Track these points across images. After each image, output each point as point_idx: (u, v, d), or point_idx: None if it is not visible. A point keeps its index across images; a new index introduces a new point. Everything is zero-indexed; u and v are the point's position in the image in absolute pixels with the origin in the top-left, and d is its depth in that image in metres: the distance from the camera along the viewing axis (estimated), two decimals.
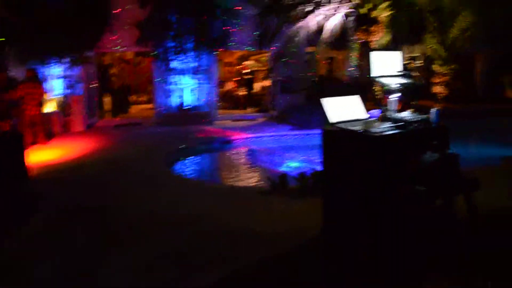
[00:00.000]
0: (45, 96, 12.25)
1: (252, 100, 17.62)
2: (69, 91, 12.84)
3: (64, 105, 12.64)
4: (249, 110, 16.33)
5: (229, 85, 18.21)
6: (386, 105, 5.18)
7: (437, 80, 6.77)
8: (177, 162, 8.93)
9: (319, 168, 6.11)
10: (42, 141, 10.18)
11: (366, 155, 3.64)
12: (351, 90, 13.35)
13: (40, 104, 10.43)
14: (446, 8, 6.47)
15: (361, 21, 6.20)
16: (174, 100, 13.64)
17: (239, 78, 17.39)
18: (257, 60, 20.00)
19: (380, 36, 6.34)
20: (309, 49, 15.71)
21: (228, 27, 13.36)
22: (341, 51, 17.79)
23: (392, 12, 6.29)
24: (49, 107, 12.39)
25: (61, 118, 12.22)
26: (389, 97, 4.21)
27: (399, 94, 4.28)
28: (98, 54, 14.52)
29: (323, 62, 20.03)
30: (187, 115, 13.34)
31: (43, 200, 5.79)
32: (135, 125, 13.16)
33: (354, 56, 7.61)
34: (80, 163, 8.17)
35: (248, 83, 16.94)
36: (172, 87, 13.57)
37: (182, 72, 13.44)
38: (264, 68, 18.71)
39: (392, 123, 3.99)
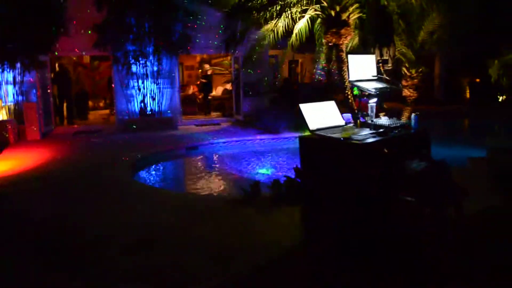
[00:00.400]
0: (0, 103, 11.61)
1: (215, 104, 17.36)
2: (22, 97, 12.15)
3: (18, 113, 11.96)
4: (213, 114, 16.06)
5: (191, 89, 17.86)
6: (358, 109, 5.07)
7: (406, 83, 6.74)
8: (140, 171, 8.55)
9: (290, 174, 5.98)
10: None
11: (349, 164, 3.49)
12: (319, 93, 13.40)
13: None
14: (414, 10, 6.45)
15: (330, 23, 6.06)
16: (135, 106, 13.18)
17: (199, 82, 17.00)
18: (218, 64, 19.79)
19: (349, 38, 6.25)
20: (272, 52, 15.71)
21: (189, 30, 13.07)
22: (305, 54, 17.93)
23: (361, 14, 6.20)
24: (1, 115, 11.71)
25: (14, 126, 11.54)
26: (368, 102, 4.09)
27: (376, 99, 4.18)
28: (53, 59, 13.86)
29: (294, 66, 20.08)
30: (150, 120, 12.91)
31: None
32: (94, 132, 12.60)
33: (321, 59, 7.50)
34: (34, 175, 7.65)
35: (209, 87, 16.57)
36: (133, 92, 13.11)
37: (143, 76, 13.00)
38: (226, 72, 18.52)
39: (372, 130, 3.87)
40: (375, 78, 4.28)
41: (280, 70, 16.99)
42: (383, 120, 4.04)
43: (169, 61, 13.25)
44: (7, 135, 11.19)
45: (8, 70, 11.64)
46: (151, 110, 13.20)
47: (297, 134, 11.55)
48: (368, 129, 3.90)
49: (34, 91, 12.34)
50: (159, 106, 13.32)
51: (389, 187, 3.34)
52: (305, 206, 4.07)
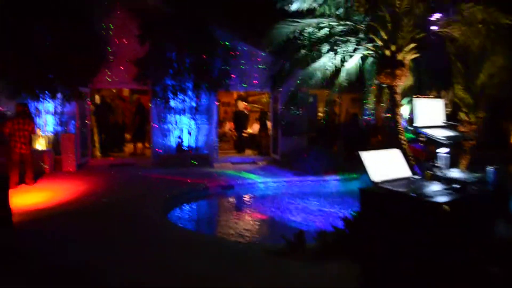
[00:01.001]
0: (38, 132, 11.65)
1: (251, 142, 17.05)
2: (61, 128, 12.20)
3: (56, 143, 11.98)
4: (249, 152, 15.72)
5: (227, 126, 17.68)
6: (412, 156, 4.58)
7: (463, 129, 6.19)
8: (174, 210, 8.19)
9: (338, 223, 5.47)
10: (30, 182, 9.45)
11: (420, 225, 2.98)
12: (361, 135, 12.87)
13: (30, 141, 9.75)
14: (474, 52, 5.99)
15: (384, 63, 5.67)
16: (171, 141, 13.00)
17: (235, 118, 16.62)
18: (256, 101, 19.63)
19: (405, 80, 5.81)
20: (312, 90, 15.39)
21: (229, 67, 12.95)
22: (343, 94, 17.55)
23: (417, 55, 5.78)
24: (40, 145, 11.74)
25: (51, 156, 11.54)
26: (438, 151, 3.60)
27: (448, 149, 3.68)
28: (93, 90, 13.99)
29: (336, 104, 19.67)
30: (185, 156, 12.66)
31: (20, 257, 5.02)
32: (129, 165, 12.44)
33: (370, 99, 7.09)
34: (66, 209, 7.41)
35: (243, 124, 16.20)
36: (170, 126, 12.96)
37: (180, 111, 12.86)
38: (263, 109, 18.29)
39: (445, 185, 3.36)
40: (445, 124, 3.80)
41: (320, 109, 16.56)
42: (456, 173, 3.54)
43: (207, 97, 13.11)
44: (43, 165, 11.18)
45: (49, 100, 11.72)
46: (187, 146, 12.98)
47: (336, 177, 11.18)
48: (439, 183, 3.39)
49: (73, 122, 12.36)
50: (195, 142, 13.09)
51: (474, 257, 2.81)
52: (361, 265, 3.53)
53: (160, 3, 12.57)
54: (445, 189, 3.27)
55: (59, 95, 11.67)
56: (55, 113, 12.00)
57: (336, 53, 6.02)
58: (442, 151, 3.63)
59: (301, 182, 10.79)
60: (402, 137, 5.54)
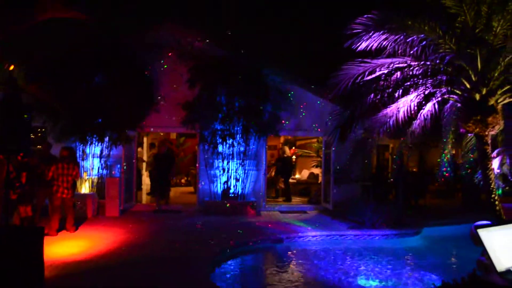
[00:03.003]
0: (85, 175, 11.41)
1: (300, 189, 16.23)
2: (106, 171, 11.91)
3: (100, 186, 11.68)
4: (297, 200, 14.86)
5: (273, 171, 17.00)
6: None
7: None
8: (219, 266, 7.43)
9: None
10: (71, 228, 9.04)
11: None
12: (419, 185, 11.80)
13: (74, 186, 9.43)
14: None
15: (473, 109, 4.84)
16: (218, 187, 12.40)
17: (280, 164, 15.69)
18: (304, 146, 18.93)
19: (498, 128, 4.93)
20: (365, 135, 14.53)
21: (279, 111, 12.40)
22: (397, 140, 16.56)
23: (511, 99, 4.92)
24: (84, 188, 11.47)
25: (95, 200, 11.22)
26: None
27: None
28: (141, 134, 13.78)
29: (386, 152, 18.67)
30: (232, 203, 11.97)
31: None
32: (174, 212, 11.88)
33: (447, 150, 6.19)
34: (105, 263, 6.82)
35: (288, 171, 15.26)
36: (217, 172, 12.40)
37: (228, 156, 12.32)
38: (313, 154, 17.53)
39: None
40: None
41: (373, 156, 15.61)
42: None
43: (256, 142, 12.53)
44: (86, 210, 10.83)
45: (96, 143, 11.53)
46: (233, 192, 12.32)
47: (396, 231, 10.11)
48: None
49: (118, 165, 12.07)
50: (242, 188, 12.43)
51: None
52: None
53: (211, 46, 12.34)
54: None
55: (106, 139, 11.47)
56: (101, 156, 11.75)
57: (411, 97, 5.24)
58: None
59: (356, 236, 9.79)
60: (495, 197, 4.60)
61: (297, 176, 18.69)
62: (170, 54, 12.13)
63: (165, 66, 12.29)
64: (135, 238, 8.67)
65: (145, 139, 17.08)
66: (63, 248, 7.72)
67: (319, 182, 15.36)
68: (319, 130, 13.21)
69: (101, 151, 11.73)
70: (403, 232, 10.10)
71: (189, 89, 11.83)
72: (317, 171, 16.71)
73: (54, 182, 8.85)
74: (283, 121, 12.59)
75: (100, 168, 11.80)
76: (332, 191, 12.96)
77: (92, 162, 11.81)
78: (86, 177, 11.54)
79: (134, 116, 11.62)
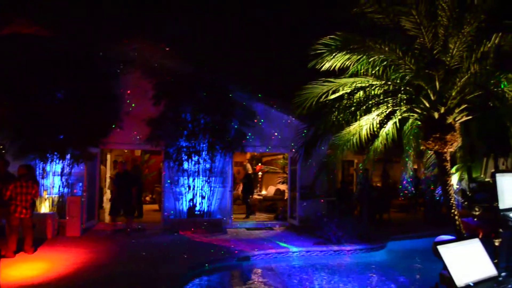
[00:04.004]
0: (45, 194, 11.01)
1: (267, 205, 16.25)
2: (67, 190, 11.54)
3: (61, 205, 11.28)
4: (264, 216, 14.85)
5: (240, 188, 16.98)
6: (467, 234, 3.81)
7: None
8: (186, 286, 7.30)
9: None
10: (29, 250, 8.67)
11: None
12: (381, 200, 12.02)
13: (33, 205, 9.09)
14: None
15: (432, 127, 5.00)
16: (184, 204, 12.23)
17: (246, 181, 15.67)
18: (270, 162, 19.03)
19: (456, 146, 5.10)
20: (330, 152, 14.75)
21: (245, 128, 12.44)
22: (361, 156, 16.89)
23: (469, 117, 5.11)
24: (44, 207, 11.05)
25: (55, 220, 10.79)
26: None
27: None
28: (104, 151, 13.47)
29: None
30: (198, 221, 11.82)
31: None
32: (138, 230, 11.62)
33: (408, 166, 6.36)
34: (65, 286, 6.57)
35: (249, 188, 15.22)
36: (182, 189, 12.25)
37: (194, 173, 12.20)
38: (279, 171, 17.63)
39: None
40: None
41: (336, 171, 15.84)
42: None
43: (222, 159, 12.48)
44: (45, 230, 10.42)
45: (57, 161, 11.19)
46: (199, 210, 12.18)
47: (361, 246, 10.22)
48: None
49: (80, 184, 11.73)
50: (208, 205, 12.31)
51: None
52: None
53: (177, 63, 12.28)
54: None
55: (67, 156, 11.15)
56: (62, 174, 11.39)
57: (373, 115, 5.37)
58: None
59: (322, 252, 9.85)
60: (455, 212, 4.74)
61: (263, 192, 18.72)
62: (135, 70, 11.97)
63: (130, 82, 12.10)
64: (97, 258, 8.40)
65: (108, 156, 16.73)
66: (21, 270, 7.38)
67: (285, 198, 15.43)
68: (285, 146, 13.31)
69: (62, 169, 11.36)
70: (368, 247, 10.23)
71: (154, 105, 11.70)
72: (283, 187, 16.80)
73: (12, 201, 8.49)
74: (249, 138, 12.62)
75: (61, 187, 11.42)
76: (299, 207, 13.01)
77: (53, 180, 11.42)
78: (46, 196, 11.13)
79: (96, 133, 11.35)
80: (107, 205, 14.83)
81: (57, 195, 11.39)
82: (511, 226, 2.99)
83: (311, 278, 8.11)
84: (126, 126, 11.94)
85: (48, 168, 11.32)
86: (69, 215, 10.81)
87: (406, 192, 11.30)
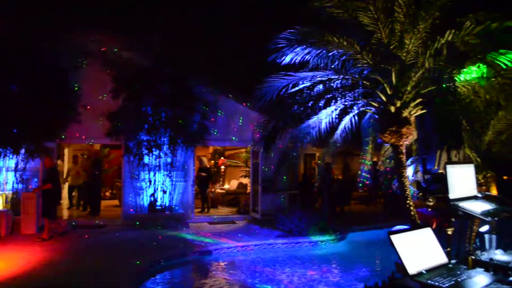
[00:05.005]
0: None
1: (229, 199, 16.24)
2: (22, 186, 11.13)
3: (15, 202, 10.88)
4: (226, 210, 14.85)
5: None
6: (422, 224, 3.91)
7: None
8: (148, 281, 7.20)
9: None
10: None
11: None
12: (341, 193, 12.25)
13: None
14: (478, 107, 5.52)
15: (389, 121, 5.13)
16: (145, 199, 12.05)
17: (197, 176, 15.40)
18: (233, 156, 19.01)
19: (411, 139, 5.26)
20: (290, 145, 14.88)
21: (207, 121, 12.36)
22: (322, 148, 17.12)
23: (424, 111, 5.27)
24: None
25: (9, 217, 10.38)
26: (480, 231, 2.95)
27: (488, 227, 3.03)
28: (61, 145, 13.05)
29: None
30: (159, 216, 11.68)
31: None
32: (97, 227, 11.36)
33: (367, 159, 6.51)
34: (18, 285, 6.35)
35: (206, 182, 15.06)
36: (143, 184, 12.05)
37: (155, 168, 12.03)
38: (241, 164, 17.64)
39: (494, 274, 2.67)
40: (482, 196, 3.17)
41: (299, 165, 16.00)
42: (505, 256, 2.86)
43: (183, 153, 12.36)
44: None
45: (10, 156, 10.76)
46: (161, 205, 12.03)
47: (322, 238, 10.42)
48: (485, 271, 2.71)
49: (36, 179, 11.34)
50: (170, 200, 12.18)
51: None
52: None
53: (137, 55, 12.03)
54: (497, 280, 2.58)
55: (22, 151, 10.75)
56: (16, 170, 10.97)
57: (332, 109, 5.45)
58: (483, 229, 2.97)
59: (285, 244, 9.95)
60: (410, 203, 4.89)
61: (226, 186, 18.70)
62: (94, 62, 11.63)
63: (89, 75, 11.74)
64: (53, 256, 8.15)
65: (66, 151, 16.24)
66: None
67: (248, 192, 15.47)
68: (246, 140, 13.31)
69: (16, 164, 10.95)
70: (329, 239, 10.41)
71: (113, 99, 11.43)
72: (246, 181, 16.83)
73: None
74: (211, 131, 12.54)
75: (15, 183, 11.00)
76: (261, 200, 13.07)
77: (6, 176, 10.99)
78: None
79: (52, 127, 10.98)
80: (65, 201, 14.44)
81: (11, 192, 10.98)
82: (461, 215, 3.09)
83: (273, 270, 8.17)
84: (84, 119, 11.59)
85: (1, 163, 10.87)
86: (24, 212, 10.44)
87: (366, 183, 11.55)
